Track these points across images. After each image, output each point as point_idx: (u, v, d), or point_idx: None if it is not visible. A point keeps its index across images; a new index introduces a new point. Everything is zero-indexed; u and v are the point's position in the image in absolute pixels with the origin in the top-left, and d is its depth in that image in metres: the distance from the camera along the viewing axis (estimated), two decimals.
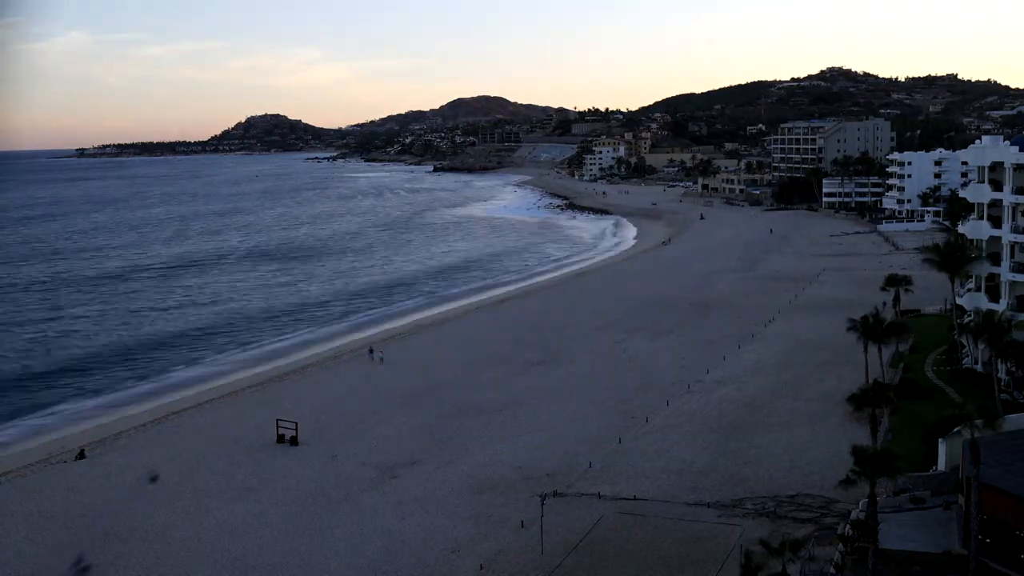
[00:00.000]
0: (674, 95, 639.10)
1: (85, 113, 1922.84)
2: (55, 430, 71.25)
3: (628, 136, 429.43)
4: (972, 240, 70.01)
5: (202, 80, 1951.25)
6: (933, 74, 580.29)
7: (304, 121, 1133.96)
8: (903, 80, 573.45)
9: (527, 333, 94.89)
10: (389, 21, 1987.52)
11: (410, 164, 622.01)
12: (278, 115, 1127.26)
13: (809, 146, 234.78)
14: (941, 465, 45.17)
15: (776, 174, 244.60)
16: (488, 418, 66.11)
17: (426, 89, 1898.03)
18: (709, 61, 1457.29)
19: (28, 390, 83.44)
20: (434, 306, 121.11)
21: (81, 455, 62.13)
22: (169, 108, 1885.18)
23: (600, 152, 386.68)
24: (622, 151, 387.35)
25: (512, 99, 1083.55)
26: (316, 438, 63.11)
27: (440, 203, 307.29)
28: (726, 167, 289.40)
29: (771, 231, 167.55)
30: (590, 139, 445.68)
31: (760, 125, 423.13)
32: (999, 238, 65.51)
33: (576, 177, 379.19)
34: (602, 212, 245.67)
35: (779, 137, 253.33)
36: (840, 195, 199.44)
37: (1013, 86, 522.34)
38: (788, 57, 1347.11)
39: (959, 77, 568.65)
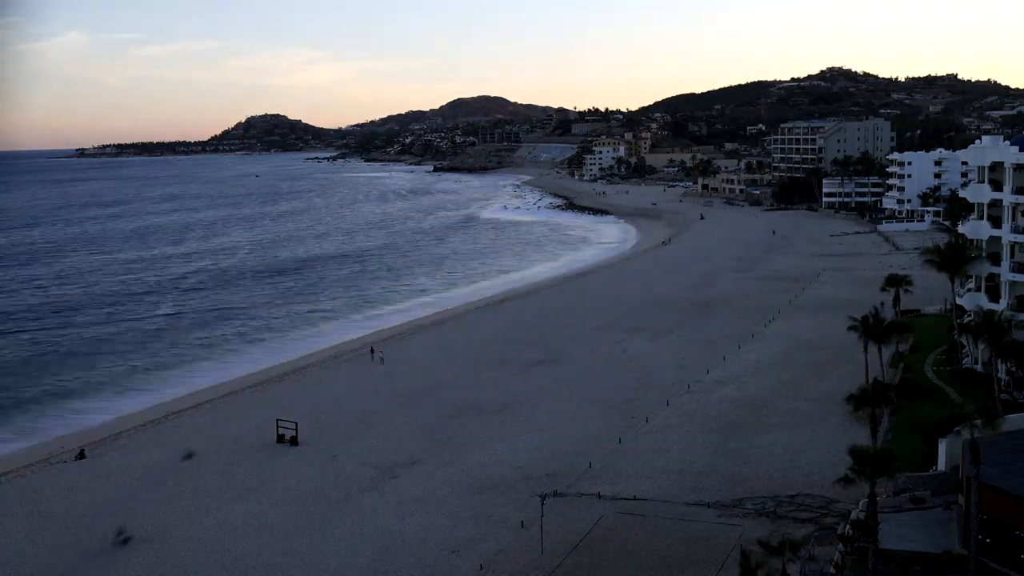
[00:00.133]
0: (674, 95, 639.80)
1: (85, 113, 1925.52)
2: (55, 430, 71.23)
3: (628, 136, 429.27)
4: (972, 240, 70.03)
5: (202, 80, 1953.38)
6: (933, 74, 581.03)
7: (304, 121, 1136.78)
8: (903, 80, 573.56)
9: (527, 333, 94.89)
10: (389, 21, 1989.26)
11: (410, 164, 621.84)
12: (278, 115, 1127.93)
13: (809, 146, 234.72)
14: (941, 465, 45.17)
15: (776, 174, 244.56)
16: (488, 418, 66.12)
17: (426, 89, 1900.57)
18: (709, 61, 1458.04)
19: (28, 390, 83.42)
20: (434, 306, 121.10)
21: (81, 455, 62.14)
22: (169, 108, 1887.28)
23: (600, 152, 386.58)
24: (622, 151, 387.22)
25: (512, 99, 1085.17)
26: (316, 438, 63.12)
27: (445, 206, 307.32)
28: (726, 167, 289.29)
29: (773, 232, 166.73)
30: (590, 139, 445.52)
31: (760, 125, 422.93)
32: (999, 238, 65.53)
33: (576, 177, 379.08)
34: (602, 212, 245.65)
35: (779, 137, 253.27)
36: (840, 195, 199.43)
37: (1013, 86, 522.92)
38: (788, 57, 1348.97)
39: (959, 77, 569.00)
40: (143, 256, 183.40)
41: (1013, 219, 64.19)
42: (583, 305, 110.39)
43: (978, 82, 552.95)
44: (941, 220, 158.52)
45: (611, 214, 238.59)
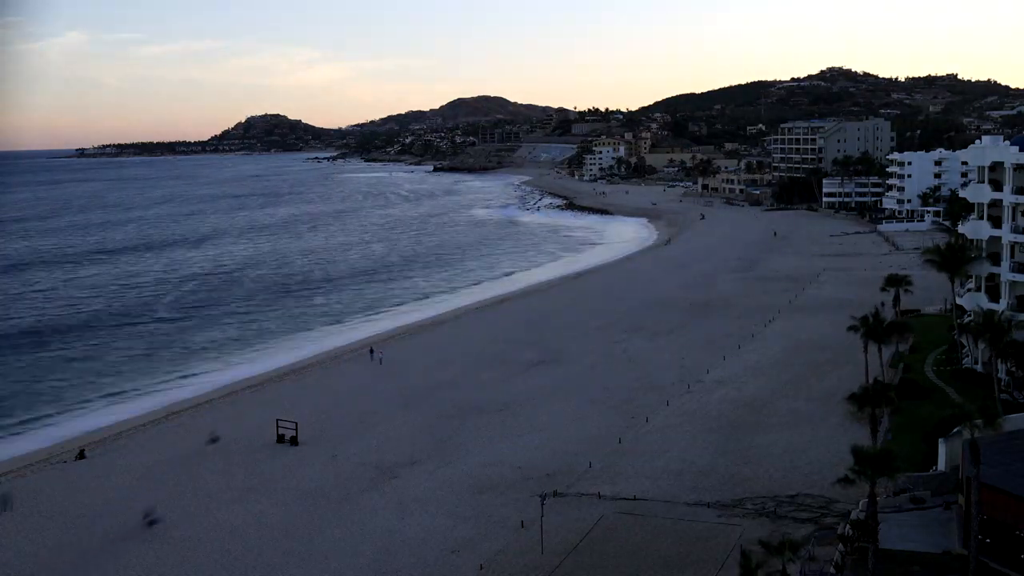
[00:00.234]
0: (674, 95, 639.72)
1: (85, 113, 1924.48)
2: (55, 430, 71.22)
3: (628, 136, 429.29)
4: (972, 240, 70.02)
5: (202, 80, 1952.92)
6: (933, 74, 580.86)
7: (304, 121, 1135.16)
8: (903, 80, 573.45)
9: (527, 333, 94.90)
10: (389, 21, 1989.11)
11: (410, 164, 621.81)
12: (278, 115, 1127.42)
13: (809, 146, 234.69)
14: (941, 465, 45.17)
15: (776, 174, 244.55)
16: (488, 418, 66.11)
17: (426, 89, 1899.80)
18: (709, 61, 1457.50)
19: (28, 390, 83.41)
20: (434, 306, 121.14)
21: (81, 455, 62.15)
22: (169, 108, 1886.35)
23: (600, 152, 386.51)
24: (622, 151, 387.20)
25: (512, 99, 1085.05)
26: (316, 438, 63.12)
27: (445, 205, 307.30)
28: (726, 167, 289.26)
29: (775, 234, 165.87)
30: (590, 139, 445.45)
31: (760, 125, 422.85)
32: (999, 238, 65.52)
33: (576, 177, 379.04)
34: (602, 212, 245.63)
35: (779, 137, 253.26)
36: (840, 195, 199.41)
37: (1013, 86, 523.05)
38: (788, 57, 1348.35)
39: (959, 77, 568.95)
40: (143, 256, 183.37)
41: (1013, 219, 64.18)
42: (583, 305, 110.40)
43: (978, 82, 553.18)
44: (941, 220, 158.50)
45: (611, 214, 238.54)
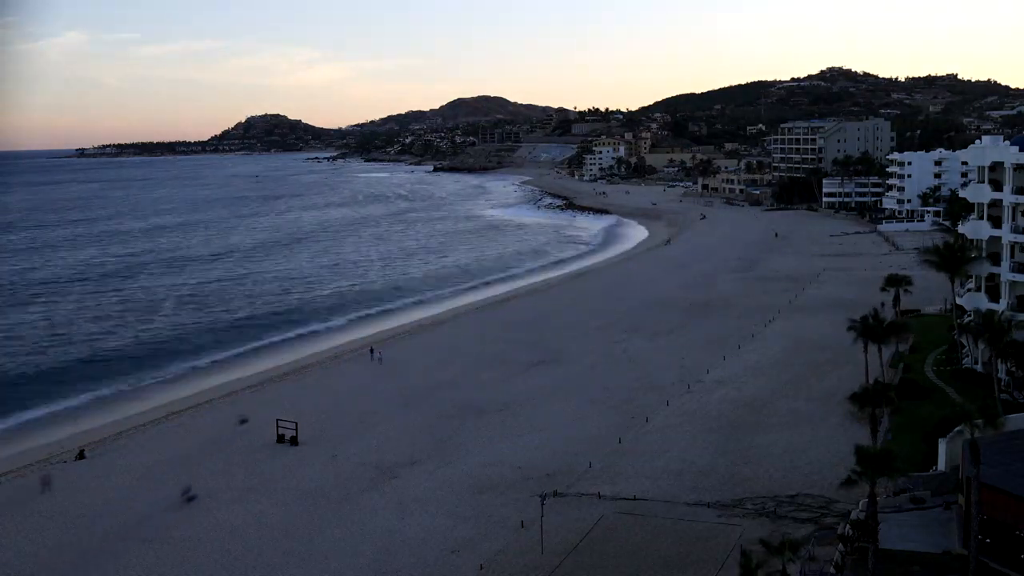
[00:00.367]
0: (674, 95, 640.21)
1: (85, 113, 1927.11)
2: (55, 430, 71.23)
3: (628, 136, 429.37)
4: (972, 240, 69.99)
5: (202, 80, 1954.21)
6: (933, 74, 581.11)
7: (304, 121, 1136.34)
8: (903, 80, 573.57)
9: (527, 333, 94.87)
10: (389, 21, 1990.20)
11: (410, 164, 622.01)
12: (278, 115, 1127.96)
13: (809, 146, 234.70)
14: (941, 465, 45.15)
15: (776, 174, 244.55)
16: (488, 418, 66.11)
17: (426, 89, 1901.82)
18: (709, 61, 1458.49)
19: (28, 390, 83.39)
20: (434, 306, 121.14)
21: (81, 455, 62.14)
22: (169, 108, 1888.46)
23: (600, 152, 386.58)
24: (622, 151, 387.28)
25: (512, 99, 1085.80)
26: (316, 438, 63.12)
27: (444, 205, 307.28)
28: (726, 167, 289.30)
29: (776, 235, 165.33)
30: (590, 139, 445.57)
31: (760, 125, 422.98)
32: (999, 238, 65.51)
33: (576, 177, 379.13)
34: (602, 212, 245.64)
35: (779, 137, 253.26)
36: (840, 195, 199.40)
37: (1013, 86, 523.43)
38: (788, 57, 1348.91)
39: (959, 77, 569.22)
40: (143, 256, 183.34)
41: (1013, 219, 64.18)
42: (583, 305, 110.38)
43: (978, 82, 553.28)
44: (941, 220, 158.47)
45: (611, 214, 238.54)
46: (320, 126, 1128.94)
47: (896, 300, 77.89)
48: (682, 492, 49.95)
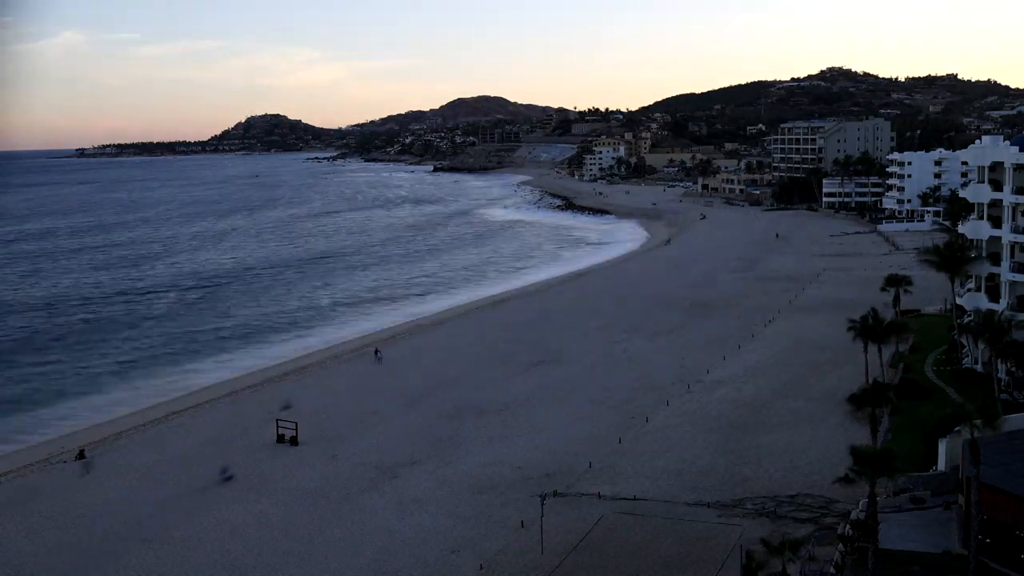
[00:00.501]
0: (674, 95, 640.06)
1: (85, 113, 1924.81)
2: (55, 430, 71.23)
3: (628, 136, 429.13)
4: (972, 240, 70.00)
5: (202, 80, 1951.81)
6: (933, 74, 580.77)
7: (304, 121, 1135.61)
8: (903, 80, 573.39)
9: (527, 333, 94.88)
10: (389, 21, 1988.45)
11: (410, 164, 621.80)
12: (278, 115, 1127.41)
13: (809, 146, 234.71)
14: (941, 465, 45.17)
15: (776, 174, 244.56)
16: (488, 418, 66.11)
17: (426, 89, 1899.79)
18: (709, 61, 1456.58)
19: (28, 390, 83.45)
20: (434, 306, 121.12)
21: (81, 455, 62.10)
22: (169, 108, 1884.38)
23: (600, 152, 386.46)
24: (622, 151, 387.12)
25: (512, 99, 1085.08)
26: (316, 438, 63.11)
27: (444, 205, 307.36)
28: (726, 167, 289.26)
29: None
30: (590, 139, 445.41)
31: (760, 125, 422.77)
32: (999, 238, 65.52)
33: (576, 177, 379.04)
34: (602, 212, 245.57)
35: (779, 137, 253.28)
36: (840, 195, 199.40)
37: (1013, 86, 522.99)
38: (788, 57, 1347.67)
39: (959, 77, 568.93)
40: (143, 257, 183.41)
41: (1013, 219, 64.18)
42: (583, 305, 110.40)
43: (978, 82, 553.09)
44: (941, 220, 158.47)
45: (611, 214, 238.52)
46: (320, 126, 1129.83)
47: (896, 300, 77.92)
48: (682, 492, 49.96)
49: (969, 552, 36.32)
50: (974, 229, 68.64)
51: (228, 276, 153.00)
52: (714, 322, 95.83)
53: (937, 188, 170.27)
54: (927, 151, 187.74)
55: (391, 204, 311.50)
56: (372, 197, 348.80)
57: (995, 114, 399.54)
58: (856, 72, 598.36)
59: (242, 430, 65.96)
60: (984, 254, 67.22)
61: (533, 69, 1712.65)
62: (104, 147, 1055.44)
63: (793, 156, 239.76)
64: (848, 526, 40.56)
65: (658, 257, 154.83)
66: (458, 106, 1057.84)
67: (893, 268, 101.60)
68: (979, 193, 68.20)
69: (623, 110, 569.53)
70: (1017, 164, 63.33)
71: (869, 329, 61.50)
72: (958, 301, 70.88)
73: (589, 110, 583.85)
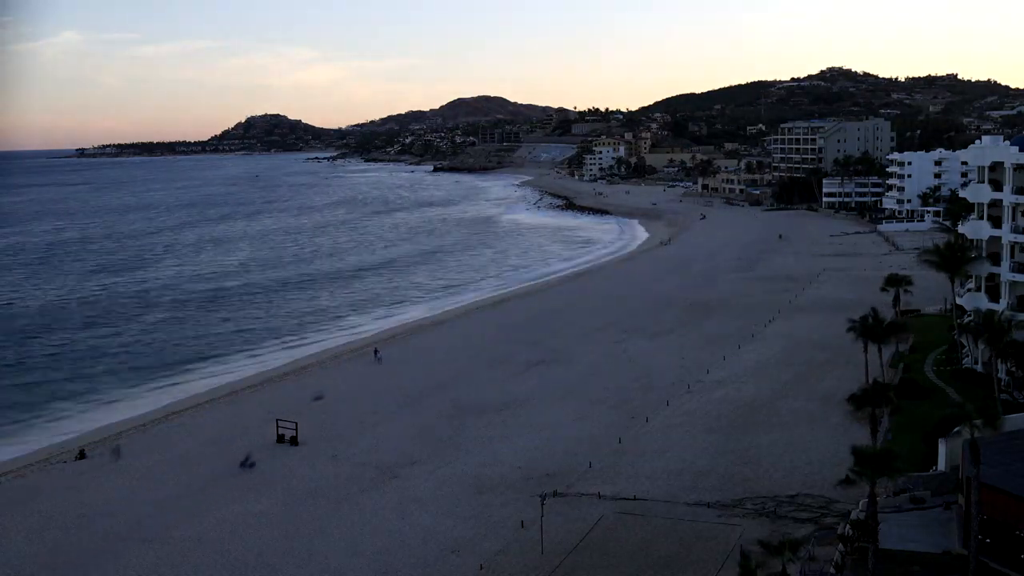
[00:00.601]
0: (674, 95, 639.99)
1: (85, 113, 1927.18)
2: (55, 430, 71.23)
3: (628, 136, 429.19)
4: (972, 240, 70.00)
5: (202, 80, 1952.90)
6: (933, 74, 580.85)
7: (304, 121, 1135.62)
8: (903, 80, 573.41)
9: (527, 333, 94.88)
10: (389, 21, 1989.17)
11: (410, 164, 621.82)
12: (278, 115, 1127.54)
13: (809, 146, 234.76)
14: (941, 465, 45.15)
15: (776, 174, 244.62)
16: (488, 418, 66.10)
17: (426, 89, 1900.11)
18: (709, 61, 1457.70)
19: (28, 390, 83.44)
20: (433, 306, 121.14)
21: (81, 455, 62.13)
22: (169, 108, 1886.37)
23: (600, 152, 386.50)
24: (622, 151, 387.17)
25: (512, 99, 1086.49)
26: (316, 438, 63.10)
27: (444, 205, 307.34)
28: (726, 167, 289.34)
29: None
30: (590, 139, 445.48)
31: (760, 125, 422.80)
32: (999, 238, 65.52)
33: (576, 177, 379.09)
34: (602, 212, 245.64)
35: (779, 137, 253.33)
36: (840, 195, 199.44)
37: (1013, 86, 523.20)
38: (788, 57, 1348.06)
39: (959, 77, 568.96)
40: (142, 259, 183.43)
41: (1013, 219, 64.19)
42: (583, 305, 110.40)
43: (978, 82, 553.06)
44: (941, 220, 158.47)
45: (611, 214, 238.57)
46: (320, 126, 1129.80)
47: (896, 300, 77.92)
48: (682, 492, 49.95)
49: (969, 552, 36.32)
50: (974, 229, 68.64)
51: (228, 277, 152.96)
52: (714, 322, 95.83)
53: (937, 188, 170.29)
54: (927, 151, 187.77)
55: (391, 205, 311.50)
56: (372, 199, 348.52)
57: (995, 114, 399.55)
58: (856, 72, 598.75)
59: (242, 430, 65.93)
60: (984, 254, 67.21)
61: (533, 69, 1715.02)
62: (104, 147, 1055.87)
63: (793, 156, 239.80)
64: (848, 526, 40.55)
65: (658, 257, 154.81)
66: (458, 106, 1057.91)
67: (893, 268, 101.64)
68: (979, 193, 68.19)
69: (623, 110, 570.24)
70: (1017, 164, 63.33)
71: (869, 329, 61.47)
72: (958, 301, 70.87)
73: (589, 110, 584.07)
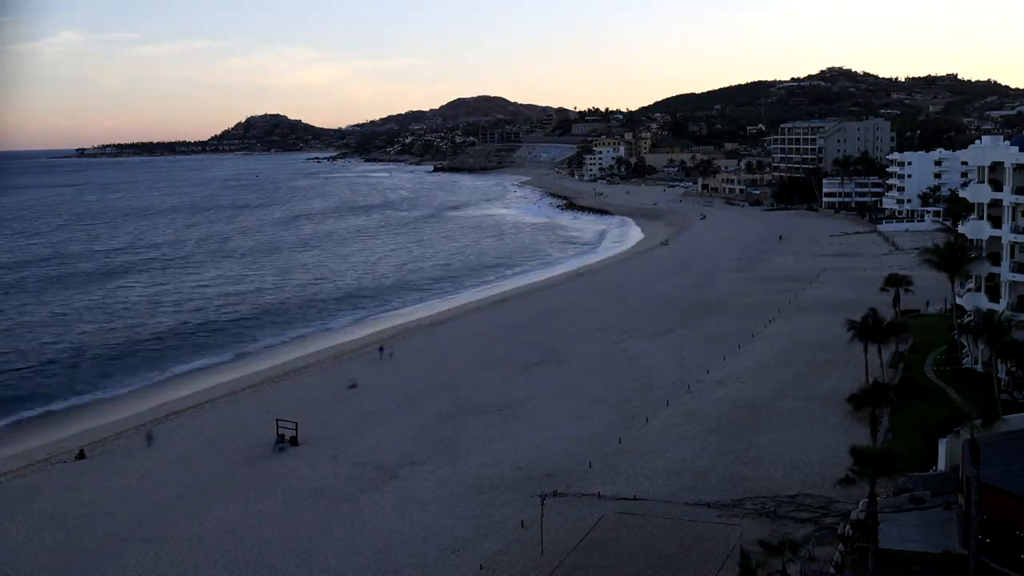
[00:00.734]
0: (674, 95, 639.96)
1: (85, 113, 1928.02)
2: (55, 430, 71.22)
3: (628, 136, 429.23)
4: (972, 240, 69.99)
5: (201, 80, 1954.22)
6: (933, 74, 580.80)
7: (304, 121, 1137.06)
8: (903, 80, 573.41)
9: (527, 333, 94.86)
10: (389, 21, 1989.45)
11: (410, 164, 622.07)
12: (278, 115, 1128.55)
13: (809, 146, 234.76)
14: (941, 465, 45.15)
15: (776, 174, 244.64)
16: (488, 418, 66.09)
17: (426, 89, 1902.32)
18: (709, 61, 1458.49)
19: (28, 389, 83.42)
20: (434, 306, 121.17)
21: (81, 455, 62.13)
22: (168, 108, 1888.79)
23: (600, 152, 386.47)
24: (622, 151, 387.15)
25: (512, 99, 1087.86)
26: (316, 438, 63.11)
27: (445, 205, 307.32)
28: (726, 167, 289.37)
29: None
30: (590, 139, 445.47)
31: (760, 125, 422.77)
32: (999, 238, 65.50)
33: (576, 177, 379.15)
34: (602, 212, 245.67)
35: (779, 137, 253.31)
36: (840, 195, 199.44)
37: (1013, 86, 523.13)
38: (788, 57, 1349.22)
39: (959, 77, 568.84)
40: (142, 256, 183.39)
41: (1013, 219, 64.17)
42: (583, 305, 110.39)
43: (978, 82, 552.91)
44: (941, 220, 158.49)
45: (611, 214, 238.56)
46: (320, 126, 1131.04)
47: (896, 300, 77.90)
48: (682, 492, 49.95)
49: (969, 552, 36.31)
50: (974, 229, 68.62)
51: (228, 278, 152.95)
52: (714, 322, 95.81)
53: (937, 188, 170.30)
54: (927, 151, 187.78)
55: (392, 207, 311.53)
56: (373, 199, 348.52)
57: (995, 114, 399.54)
58: (856, 72, 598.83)
59: (242, 430, 65.95)
60: (984, 254, 67.18)
61: (533, 69, 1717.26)
62: (104, 147, 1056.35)
63: (793, 156, 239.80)
64: (848, 526, 40.54)
65: (658, 257, 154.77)
66: (458, 106, 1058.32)
67: (893, 268, 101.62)
68: (979, 193, 68.18)
69: (623, 110, 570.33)
70: (1017, 164, 63.31)
71: (869, 329, 61.44)
72: (958, 301, 70.85)
73: (589, 110, 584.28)
